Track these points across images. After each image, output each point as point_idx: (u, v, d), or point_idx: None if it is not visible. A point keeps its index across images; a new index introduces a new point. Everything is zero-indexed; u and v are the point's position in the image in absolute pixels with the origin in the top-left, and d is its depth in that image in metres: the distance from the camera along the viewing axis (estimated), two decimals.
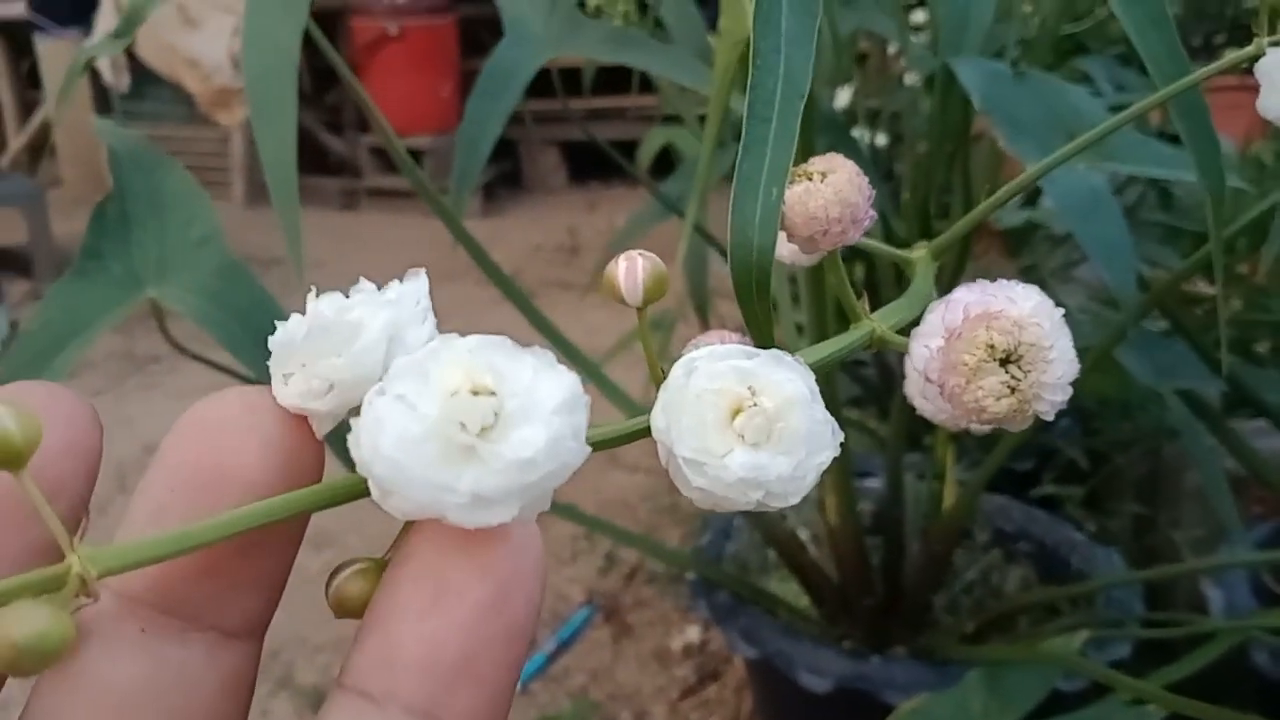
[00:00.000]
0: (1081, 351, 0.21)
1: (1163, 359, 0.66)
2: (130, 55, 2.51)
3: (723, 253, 0.63)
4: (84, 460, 0.14)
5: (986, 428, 0.20)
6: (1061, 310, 0.22)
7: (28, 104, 2.86)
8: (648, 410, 0.15)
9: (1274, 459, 0.69)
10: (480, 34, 2.53)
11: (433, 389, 0.13)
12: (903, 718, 0.52)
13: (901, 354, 0.21)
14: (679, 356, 0.15)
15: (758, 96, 0.22)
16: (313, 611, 0.25)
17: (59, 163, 2.73)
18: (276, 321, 0.15)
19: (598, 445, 0.15)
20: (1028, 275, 0.86)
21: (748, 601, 0.72)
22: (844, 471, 0.67)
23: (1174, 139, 0.49)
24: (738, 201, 0.21)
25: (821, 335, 0.54)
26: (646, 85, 1.02)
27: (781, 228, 0.22)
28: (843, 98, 0.91)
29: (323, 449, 0.15)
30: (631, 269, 0.16)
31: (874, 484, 0.83)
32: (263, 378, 0.15)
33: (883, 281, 0.74)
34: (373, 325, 0.14)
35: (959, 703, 0.52)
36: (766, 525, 0.73)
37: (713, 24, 0.58)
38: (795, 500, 0.15)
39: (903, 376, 0.21)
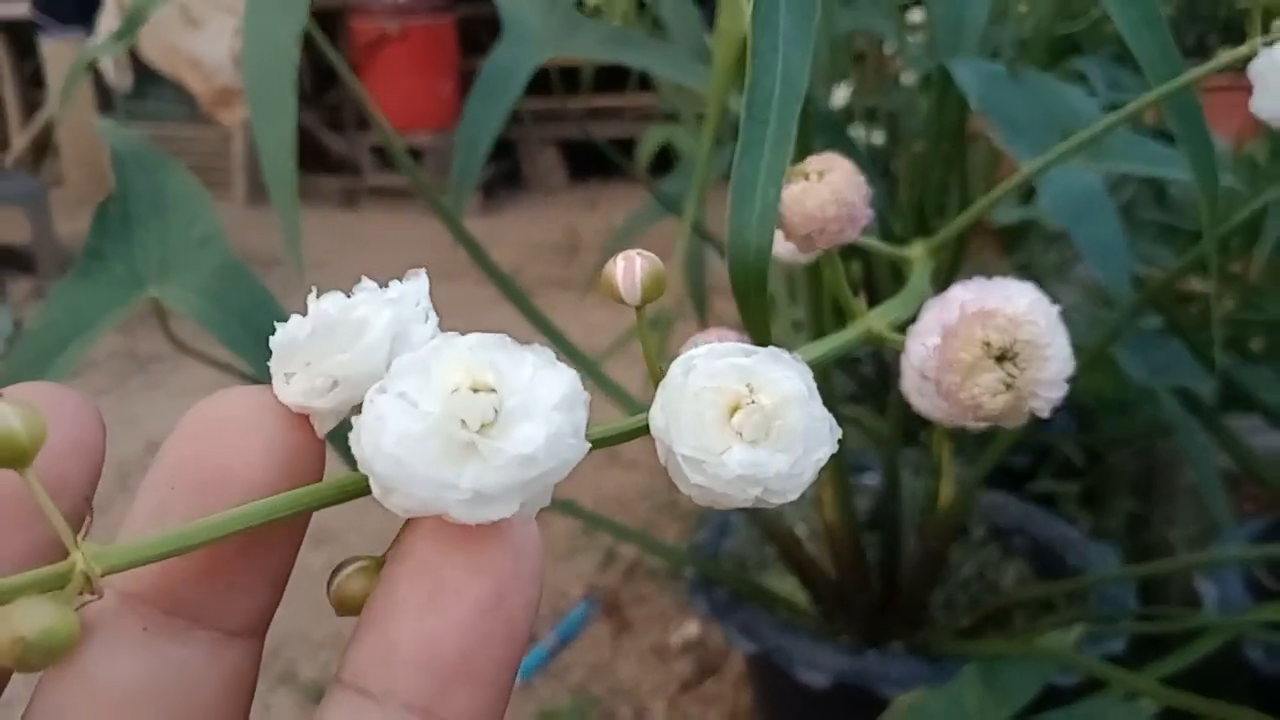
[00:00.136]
0: (1077, 349, 0.21)
1: (1157, 357, 0.66)
2: (133, 55, 2.50)
3: (721, 251, 0.63)
4: (87, 459, 0.14)
5: (983, 424, 0.20)
6: (1057, 307, 0.22)
7: (31, 103, 2.85)
8: (646, 408, 0.15)
9: (1267, 456, 0.70)
10: (480, 34, 2.53)
11: (434, 387, 0.13)
12: (899, 712, 0.53)
13: (898, 351, 0.21)
14: (677, 355, 0.15)
15: (756, 96, 0.22)
16: (314, 608, 0.25)
17: (62, 162, 2.72)
18: (277, 322, 0.15)
19: (597, 442, 0.15)
20: (1023, 273, 0.86)
21: (746, 597, 0.72)
22: (841, 468, 0.67)
23: (1169, 137, 0.50)
24: (736, 202, 0.21)
25: (819, 333, 0.54)
26: (645, 84, 1.02)
27: (779, 226, 0.22)
28: (840, 96, 0.91)
29: (324, 447, 0.15)
30: (630, 268, 0.16)
31: (871, 480, 0.83)
32: (264, 377, 0.15)
33: (880, 279, 0.74)
34: (377, 322, 0.14)
35: (955, 697, 0.53)
36: (764, 522, 0.73)
37: (711, 23, 0.58)
38: (793, 497, 0.15)
39: (899, 373, 0.21)
